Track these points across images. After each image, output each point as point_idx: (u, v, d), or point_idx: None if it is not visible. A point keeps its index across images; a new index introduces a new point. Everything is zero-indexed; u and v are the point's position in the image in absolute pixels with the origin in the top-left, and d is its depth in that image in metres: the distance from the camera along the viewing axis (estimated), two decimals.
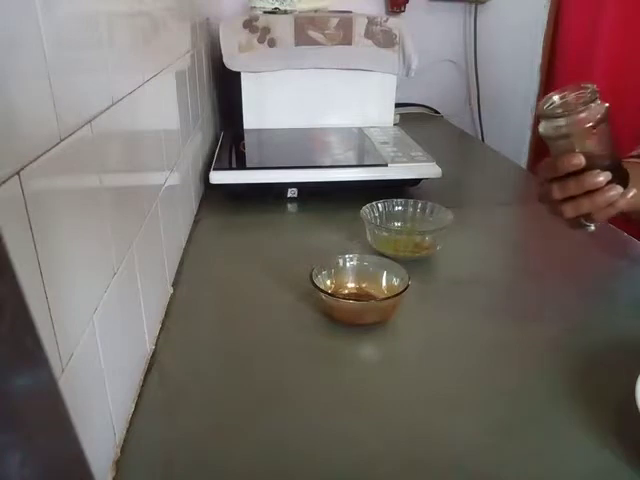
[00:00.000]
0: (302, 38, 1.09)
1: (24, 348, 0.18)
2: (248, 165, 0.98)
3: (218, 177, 0.87)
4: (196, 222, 0.85)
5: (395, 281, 0.61)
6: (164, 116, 0.67)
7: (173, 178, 0.69)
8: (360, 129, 1.13)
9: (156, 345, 0.56)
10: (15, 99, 0.29)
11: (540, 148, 1.65)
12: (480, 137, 1.64)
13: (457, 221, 0.72)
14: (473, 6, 1.52)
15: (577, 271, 0.72)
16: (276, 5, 1.14)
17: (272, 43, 1.08)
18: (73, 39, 0.38)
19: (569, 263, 0.73)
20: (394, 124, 1.20)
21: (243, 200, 0.91)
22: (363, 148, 1.05)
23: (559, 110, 0.53)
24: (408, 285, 0.58)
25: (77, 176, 0.38)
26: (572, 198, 0.55)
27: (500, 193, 1.03)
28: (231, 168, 0.91)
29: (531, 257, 0.79)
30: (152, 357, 0.54)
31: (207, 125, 1.06)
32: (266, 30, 1.07)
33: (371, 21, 1.10)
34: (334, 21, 1.09)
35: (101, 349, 0.40)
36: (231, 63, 1.08)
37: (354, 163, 0.97)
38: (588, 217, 0.56)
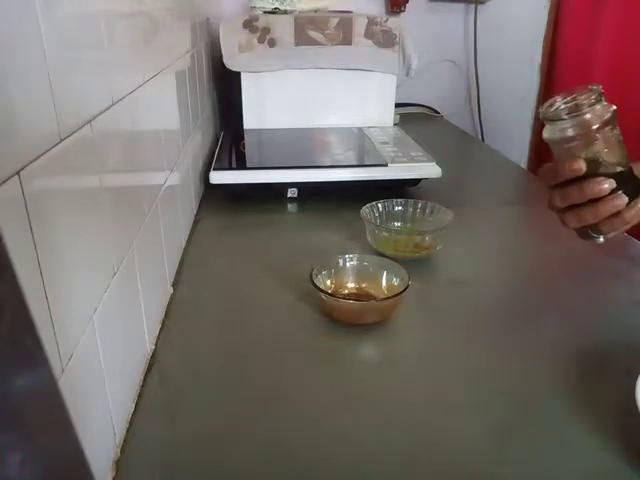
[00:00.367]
0: (302, 38, 1.09)
1: (24, 348, 0.18)
2: (248, 165, 0.98)
3: (218, 177, 0.87)
4: (196, 222, 0.85)
5: (395, 281, 0.61)
6: (164, 116, 0.67)
7: (173, 178, 0.69)
8: (360, 129, 1.13)
9: (156, 345, 0.56)
10: (15, 99, 0.29)
11: (540, 148, 1.65)
12: (480, 137, 1.64)
13: (457, 221, 0.72)
14: (473, 6, 1.52)
15: (577, 271, 0.72)
16: (276, 5, 1.14)
17: (272, 43, 1.08)
18: (73, 39, 0.38)
19: (569, 263, 0.73)
20: (394, 124, 1.20)
21: (243, 200, 0.91)
22: (363, 148, 1.05)
23: (563, 112, 0.50)
24: (408, 285, 0.58)
25: (77, 176, 0.38)
26: (576, 207, 0.51)
27: (500, 193, 1.03)
28: (231, 168, 0.91)
29: (531, 257, 0.79)
30: (152, 357, 0.54)
31: (207, 125, 1.06)
32: (266, 30, 1.07)
33: (371, 21, 1.10)
34: (334, 21, 1.09)
35: (101, 349, 0.40)
36: (231, 63, 1.08)
37: (354, 163, 0.97)
38: (595, 228, 0.52)
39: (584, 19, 1.47)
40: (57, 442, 0.20)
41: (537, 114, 1.66)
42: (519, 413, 0.48)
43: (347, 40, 1.10)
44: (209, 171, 0.87)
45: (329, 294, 0.58)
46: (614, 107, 0.50)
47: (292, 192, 0.92)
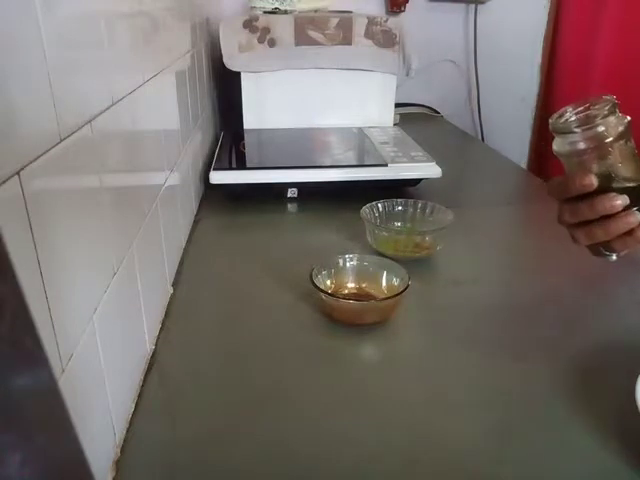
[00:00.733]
0: (302, 38, 1.09)
1: (24, 348, 0.18)
2: (248, 165, 0.98)
3: (218, 177, 0.87)
4: (196, 222, 0.85)
5: (395, 281, 0.61)
6: (164, 116, 0.67)
7: (173, 178, 0.69)
8: (360, 129, 1.13)
9: (156, 345, 0.56)
10: (15, 99, 0.29)
11: (540, 148, 1.65)
12: (480, 137, 1.64)
13: (457, 221, 0.72)
14: (473, 6, 1.52)
15: (577, 271, 0.72)
16: (276, 5, 1.14)
17: (272, 43, 1.08)
18: (73, 39, 0.38)
19: (569, 263, 0.73)
20: (394, 124, 1.20)
21: (243, 200, 0.91)
22: (363, 148, 1.05)
23: (573, 124, 0.47)
24: (408, 285, 0.58)
25: (77, 176, 0.38)
26: (586, 223, 0.48)
27: (500, 193, 1.03)
28: (231, 168, 0.91)
29: (531, 257, 0.78)
30: (152, 357, 0.54)
31: (207, 125, 1.06)
32: (266, 30, 1.07)
33: (371, 21, 1.10)
34: (334, 21, 1.09)
35: (101, 349, 0.40)
36: (231, 63, 1.08)
37: (354, 163, 0.97)
38: (607, 246, 0.49)
39: (584, 19, 1.46)
40: (57, 442, 0.20)
41: (537, 114, 1.66)
42: (519, 413, 0.48)
43: (347, 40, 1.10)
44: (209, 171, 0.87)
45: (329, 294, 0.58)
46: (628, 118, 0.46)
47: (292, 192, 0.92)
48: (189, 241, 0.78)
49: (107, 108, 0.44)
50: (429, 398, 0.49)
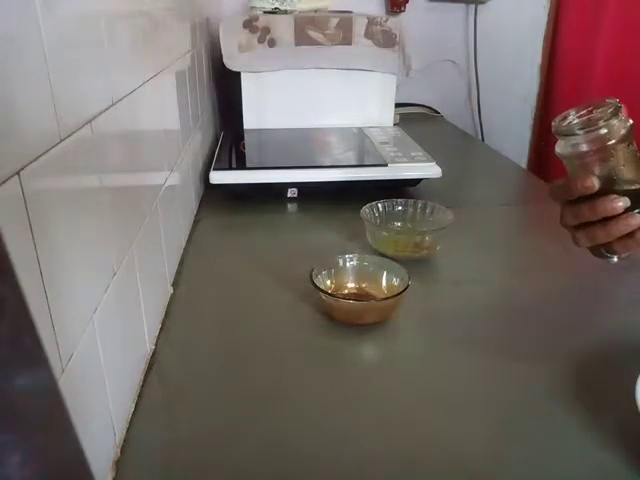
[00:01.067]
0: (302, 38, 1.09)
1: (24, 348, 0.18)
2: (248, 165, 0.98)
3: (218, 177, 0.87)
4: (196, 222, 0.85)
5: (395, 281, 0.61)
6: (164, 116, 0.67)
7: (173, 178, 0.69)
8: (360, 129, 1.13)
9: (156, 345, 0.56)
10: (15, 99, 0.29)
11: (540, 148, 1.65)
12: (480, 137, 1.64)
13: (457, 221, 0.72)
14: (473, 6, 1.52)
15: (577, 271, 0.72)
16: (276, 5, 1.14)
17: (272, 43, 1.08)
18: (73, 39, 0.38)
19: (569, 263, 0.73)
20: (394, 124, 1.20)
21: (243, 200, 0.91)
22: (363, 148, 1.05)
23: (576, 127, 0.47)
24: (408, 285, 0.58)
25: (77, 176, 0.38)
26: (588, 225, 0.48)
27: (500, 193, 1.03)
28: (231, 168, 0.91)
29: (531, 257, 0.78)
30: (152, 357, 0.54)
31: (207, 125, 1.06)
32: (266, 30, 1.07)
33: (371, 21, 1.10)
34: (334, 21, 1.09)
35: (101, 349, 0.40)
36: (231, 63, 1.08)
37: (354, 163, 0.97)
38: (608, 247, 0.49)
39: (584, 19, 1.46)
40: (57, 442, 0.20)
41: (537, 114, 1.66)
42: (519, 413, 0.48)
43: (347, 40, 1.10)
44: (209, 171, 0.87)
45: (329, 294, 0.58)
46: (631, 122, 0.47)
47: (292, 192, 0.92)
48: (189, 241, 0.78)
49: (107, 108, 0.44)
50: (429, 398, 0.49)
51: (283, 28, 1.08)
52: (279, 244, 0.78)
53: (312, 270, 0.60)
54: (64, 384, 0.33)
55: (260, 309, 0.62)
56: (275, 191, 0.92)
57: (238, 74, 1.10)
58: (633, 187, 0.47)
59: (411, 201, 0.78)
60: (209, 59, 1.12)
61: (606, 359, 0.54)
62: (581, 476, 0.42)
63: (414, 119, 1.48)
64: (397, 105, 1.20)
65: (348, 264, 0.64)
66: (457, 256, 0.74)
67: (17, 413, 0.17)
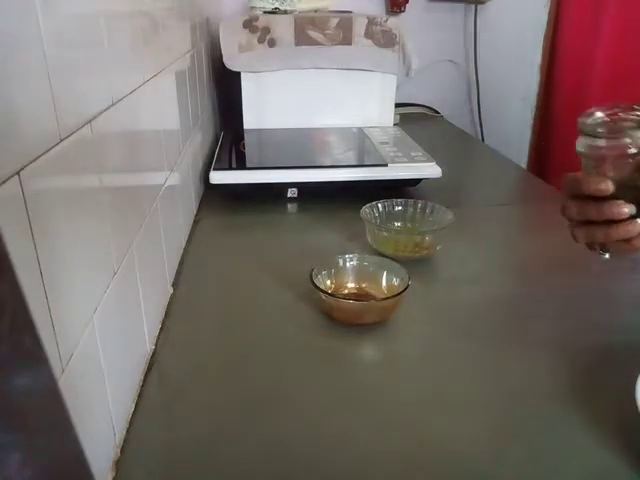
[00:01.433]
0: (302, 38, 1.09)
1: (24, 348, 0.18)
2: (248, 165, 0.98)
3: (218, 177, 0.87)
4: (196, 222, 0.85)
5: (395, 281, 0.61)
6: (164, 116, 0.67)
7: (173, 178, 0.69)
8: (360, 129, 1.13)
9: (156, 345, 0.56)
10: (15, 99, 0.29)
11: (540, 148, 1.65)
12: (480, 137, 1.64)
13: (457, 221, 0.72)
14: (473, 6, 1.52)
15: (577, 271, 0.72)
16: (276, 5, 1.14)
17: (272, 43, 1.08)
18: (73, 39, 0.38)
19: (569, 263, 0.73)
20: (394, 124, 1.20)
21: (243, 200, 0.91)
22: (363, 148, 1.05)
23: (600, 130, 0.47)
24: (408, 285, 0.58)
25: (77, 176, 0.38)
26: (589, 223, 0.49)
27: (500, 193, 1.03)
28: (231, 168, 0.91)
29: (531, 257, 0.78)
30: (152, 357, 0.54)
31: (207, 125, 1.06)
32: (266, 30, 1.07)
33: (371, 21, 1.10)
34: (334, 21, 1.09)
35: (101, 349, 0.40)
36: (231, 63, 1.08)
37: (354, 163, 0.97)
38: (604, 246, 0.50)
39: (584, 19, 1.46)
40: (57, 442, 0.20)
41: (537, 114, 1.66)
42: (519, 413, 0.48)
43: (347, 40, 1.10)
44: (209, 171, 0.87)
45: (329, 294, 0.58)
46: None
47: (292, 192, 0.92)
48: (189, 241, 0.78)
49: (107, 108, 0.44)
50: (429, 398, 0.49)
51: (283, 28, 1.08)
52: (279, 244, 0.78)
53: (312, 270, 0.60)
54: (64, 384, 0.33)
55: (260, 309, 0.62)
56: (275, 191, 0.92)
57: (238, 74, 1.10)
58: None
59: (411, 201, 0.78)
60: (209, 59, 1.12)
61: (606, 359, 0.54)
62: (581, 476, 0.42)
63: (414, 119, 1.48)
64: (397, 105, 1.20)
65: (348, 264, 0.64)
66: (457, 256, 0.74)
67: (17, 413, 0.17)
